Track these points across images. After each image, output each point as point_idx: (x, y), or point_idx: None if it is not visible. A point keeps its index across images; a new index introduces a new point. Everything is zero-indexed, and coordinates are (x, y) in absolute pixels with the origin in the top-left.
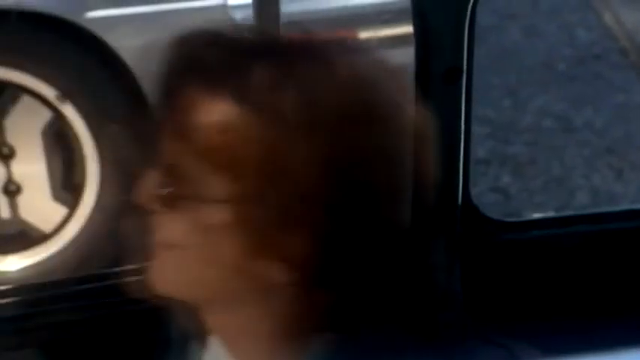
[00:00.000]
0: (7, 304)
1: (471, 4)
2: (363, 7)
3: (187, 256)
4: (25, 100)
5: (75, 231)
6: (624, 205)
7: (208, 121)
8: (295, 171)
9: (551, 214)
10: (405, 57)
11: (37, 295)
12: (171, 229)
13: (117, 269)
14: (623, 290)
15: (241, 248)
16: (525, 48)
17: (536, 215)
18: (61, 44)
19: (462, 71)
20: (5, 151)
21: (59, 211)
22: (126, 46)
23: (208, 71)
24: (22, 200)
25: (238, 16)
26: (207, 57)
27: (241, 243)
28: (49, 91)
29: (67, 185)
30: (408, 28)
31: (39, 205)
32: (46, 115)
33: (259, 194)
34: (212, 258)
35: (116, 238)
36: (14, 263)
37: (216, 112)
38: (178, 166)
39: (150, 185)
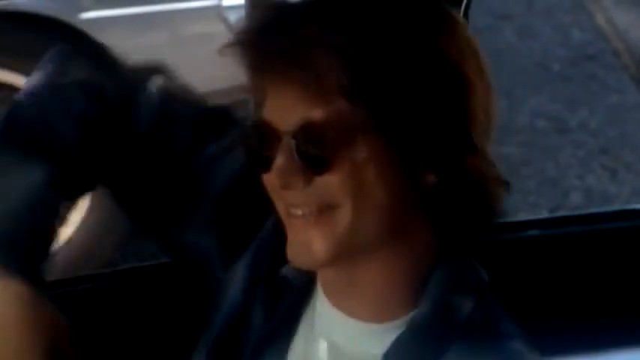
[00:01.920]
0: None
1: (464, 4)
2: None
3: (349, 210)
4: None
5: (69, 232)
6: (618, 206)
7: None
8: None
9: (545, 214)
10: None
11: None
12: (326, 190)
13: (112, 270)
14: (618, 291)
15: (397, 173)
16: (519, 49)
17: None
18: (56, 45)
19: None
20: None
21: None
22: (121, 46)
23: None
24: None
25: (232, 17)
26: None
27: (395, 168)
28: None
29: None
30: None
31: None
32: None
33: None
34: (373, 199)
35: (111, 239)
36: None
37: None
38: (321, 132)
39: (290, 159)
